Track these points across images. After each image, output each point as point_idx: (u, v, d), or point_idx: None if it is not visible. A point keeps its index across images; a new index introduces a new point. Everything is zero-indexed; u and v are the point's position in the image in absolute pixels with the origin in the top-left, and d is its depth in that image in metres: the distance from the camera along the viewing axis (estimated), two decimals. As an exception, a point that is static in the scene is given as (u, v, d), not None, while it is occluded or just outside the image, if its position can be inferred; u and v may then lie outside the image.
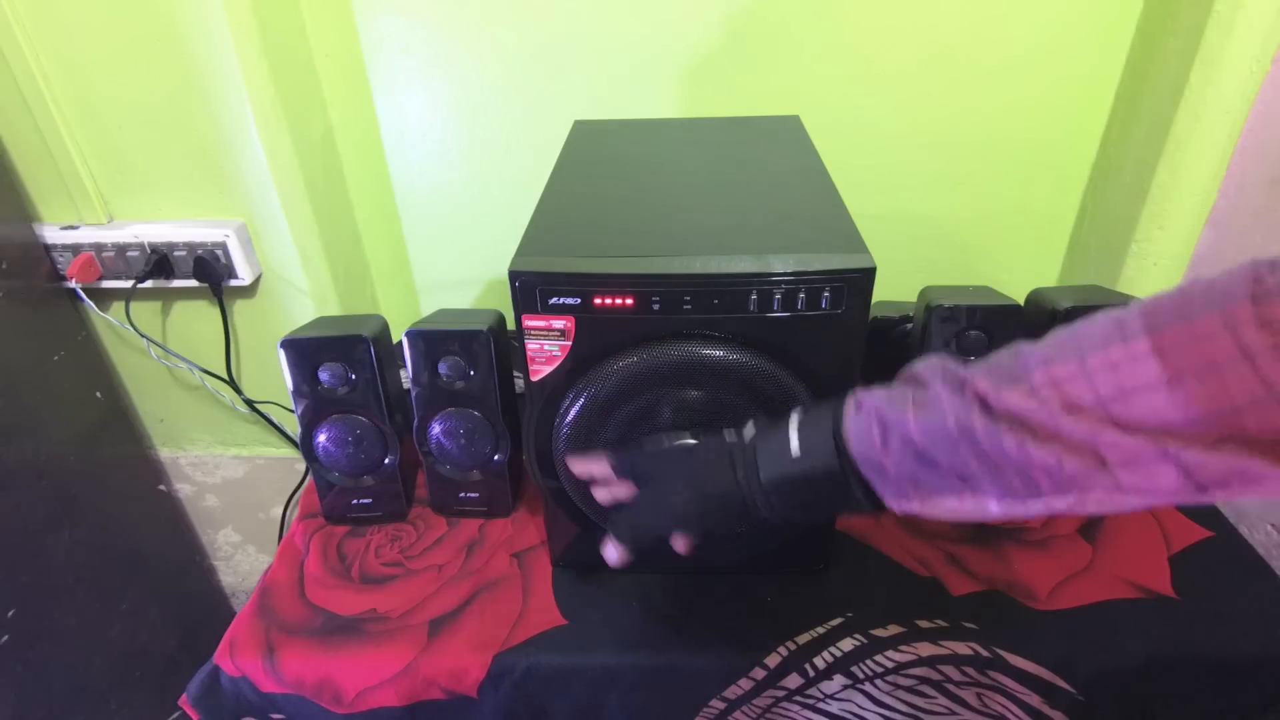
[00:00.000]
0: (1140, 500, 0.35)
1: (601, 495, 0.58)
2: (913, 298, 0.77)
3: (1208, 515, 0.76)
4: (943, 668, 0.64)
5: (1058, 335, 0.38)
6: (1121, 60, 0.88)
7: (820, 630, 0.65)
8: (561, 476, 0.62)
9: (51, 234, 0.89)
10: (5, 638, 0.85)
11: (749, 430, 0.50)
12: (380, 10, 0.88)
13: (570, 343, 0.55)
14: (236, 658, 0.66)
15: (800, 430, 0.46)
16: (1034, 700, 0.64)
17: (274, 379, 1.00)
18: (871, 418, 0.42)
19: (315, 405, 0.73)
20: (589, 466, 0.57)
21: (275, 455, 1.15)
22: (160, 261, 0.90)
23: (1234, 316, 0.31)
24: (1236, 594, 0.68)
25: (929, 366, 0.41)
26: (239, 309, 0.99)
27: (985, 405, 0.37)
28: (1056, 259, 1.03)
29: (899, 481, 0.41)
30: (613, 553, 0.54)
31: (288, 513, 1.14)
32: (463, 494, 0.78)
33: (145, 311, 0.99)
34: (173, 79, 0.81)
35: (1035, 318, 0.74)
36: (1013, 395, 0.36)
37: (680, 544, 0.55)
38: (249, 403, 1.06)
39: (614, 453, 0.56)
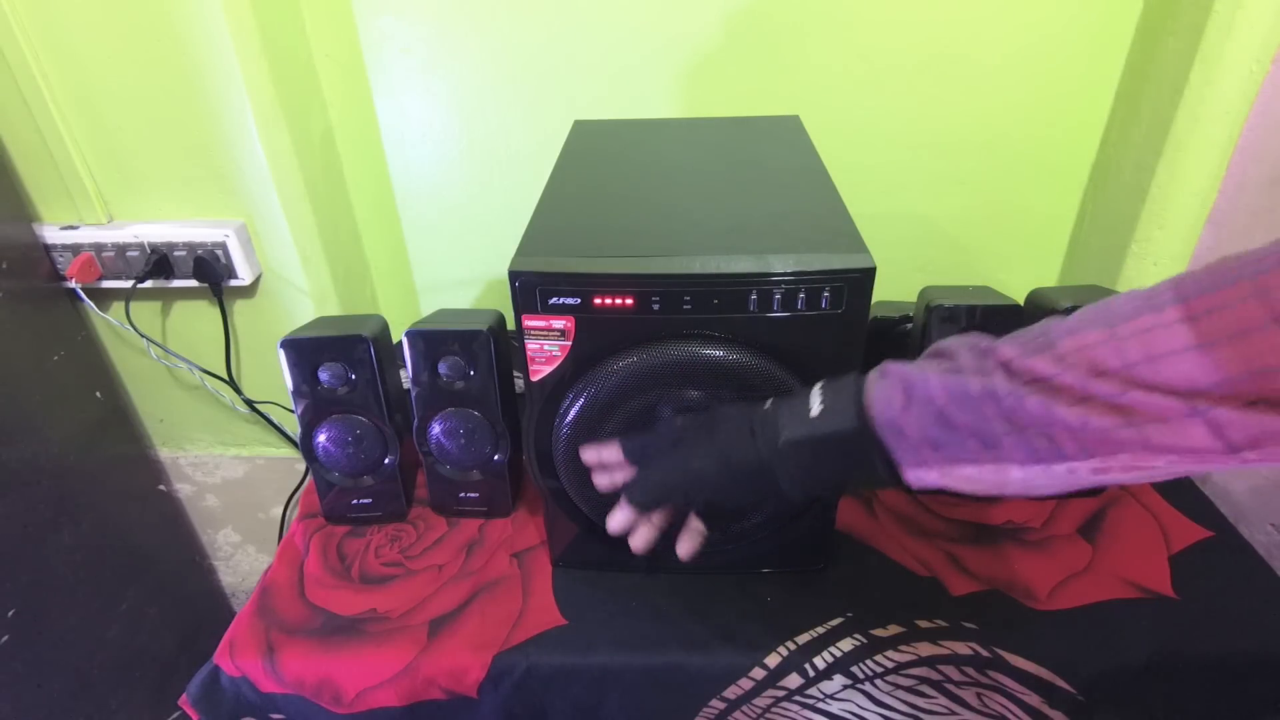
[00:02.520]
0: (1169, 462, 0.35)
1: (603, 481, 0.57)
2: (913, 298, 0.77)
3: (1208, 515, 0.76)
4: (943, 668, 0.64)
5: (1084, 311, 0.38)
6: (1121, 60, 0.88)
7: (820, 630, 0.65)
8: (562, 476, 0.62)
9: (51, 234, 0.89)
10: (5, 638, 0.85)
11: (769, 401, 0.49)
12: (380, 10, 0.88)
13: (570, 343, 0.55)
14: (236, 658, 0.66)
15: (823, 393, 0.46)
16: (1034, 700, 0.64)
17: (274, 379, 1.00)
18: (895, 381, 0.42)
19: (315, 405, 0.73)
20: (599, 453, 0.56)
21: (275, 455, 1.15)
22: (160, 261, 0.90)
23: (1266, 284, 0.31)
24: (1236, 594, 0.68)
25: (955, 339, 0.42)
26: (239, 309, 0.99)
27: (1009, 369, 0.37)
28: (1056, 259, 1.03)
29: (918, 445, 0.41)
30: (619, 518, 0.53)
31: (288, 513, 1.14)
32: (463, 494, 0.78)
33: (145, 311, 0.99)
34: (173, 79, 0.81)
35: (1035, 318, 0.73)
36: (1038, 361, 0.37)
37: (685, 545, 0.54)
38: (249, 403, 1.06)
39: (625, 437, 0.55)
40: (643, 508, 0.53)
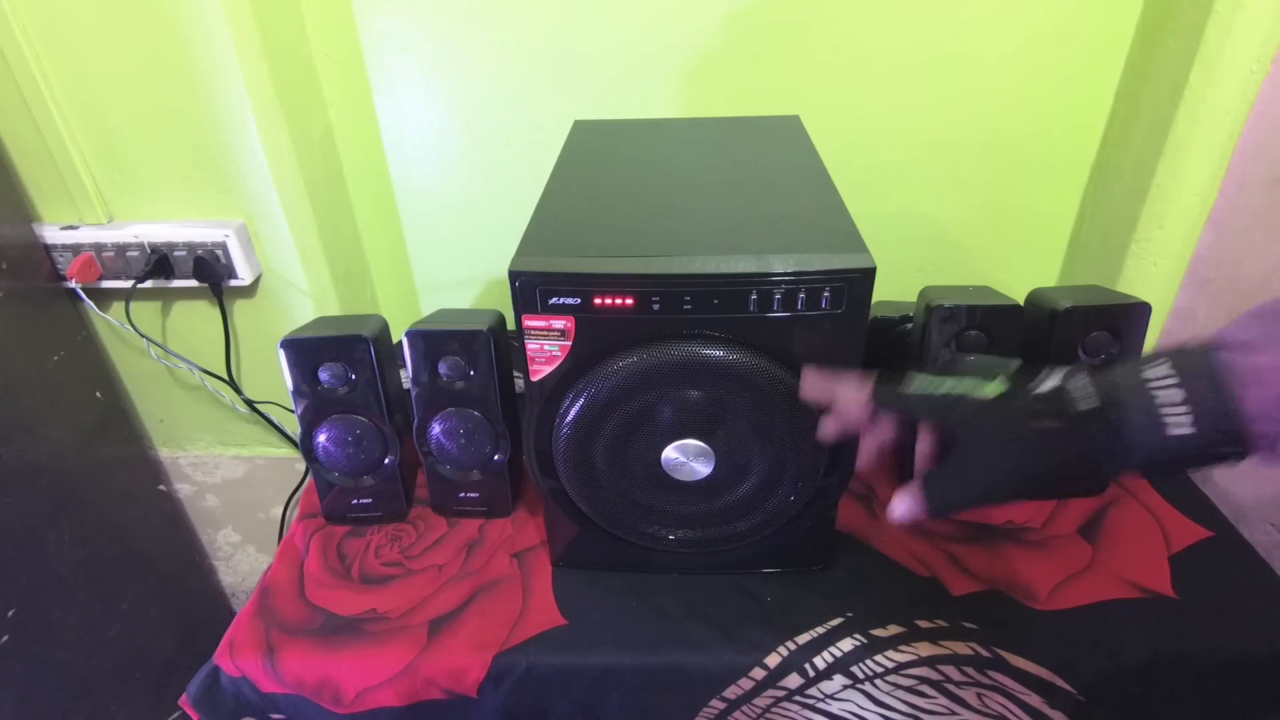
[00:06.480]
0: None
1: (832, 427, 0.52)
2: (913, 298, 0.77)
3: (1208, 515, 0.76)
4: (943, 668, 0.64)
5: None
6: (1121, 60, 0.88)
7: (820, 630, 0.65)
8: (562, 476, 0.62)
9: (51, 234, 0.89)
10: (5, 638, 0.85)
11: (1079, 384, 0.41)
12: (380, 10, 0.88)
13: (570, 343, 0.55)
14: (236, 658, 0.66)
15: (1187, 401, 0.38)
16: (1034, 700, 0.64)
17: (274, 379, 1.00)
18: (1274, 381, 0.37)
19: (315, 405, 0.73)
20: (830, 384, 0.51)
21: (275, 455, 1.15)
22: (160, 261, 0.90)
23: None
24: (1236, 594, 0.68)
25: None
26: (239, 309, 0.99)
27: None
28: (1056, 259, 1.03)
29: None
30: (904, 506, 0.47)
31: (288, 513, 1.14)
32: (463, 494, 0.78)
33: (145, 311, 0.99)
34: (173, 79, 0.81)
35: (1035, 318, 0.74)
36: None
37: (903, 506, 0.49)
38: (249, 403, 1.06)
39: (880, 385, 0.49)
40: (937, 514, 0.47)
